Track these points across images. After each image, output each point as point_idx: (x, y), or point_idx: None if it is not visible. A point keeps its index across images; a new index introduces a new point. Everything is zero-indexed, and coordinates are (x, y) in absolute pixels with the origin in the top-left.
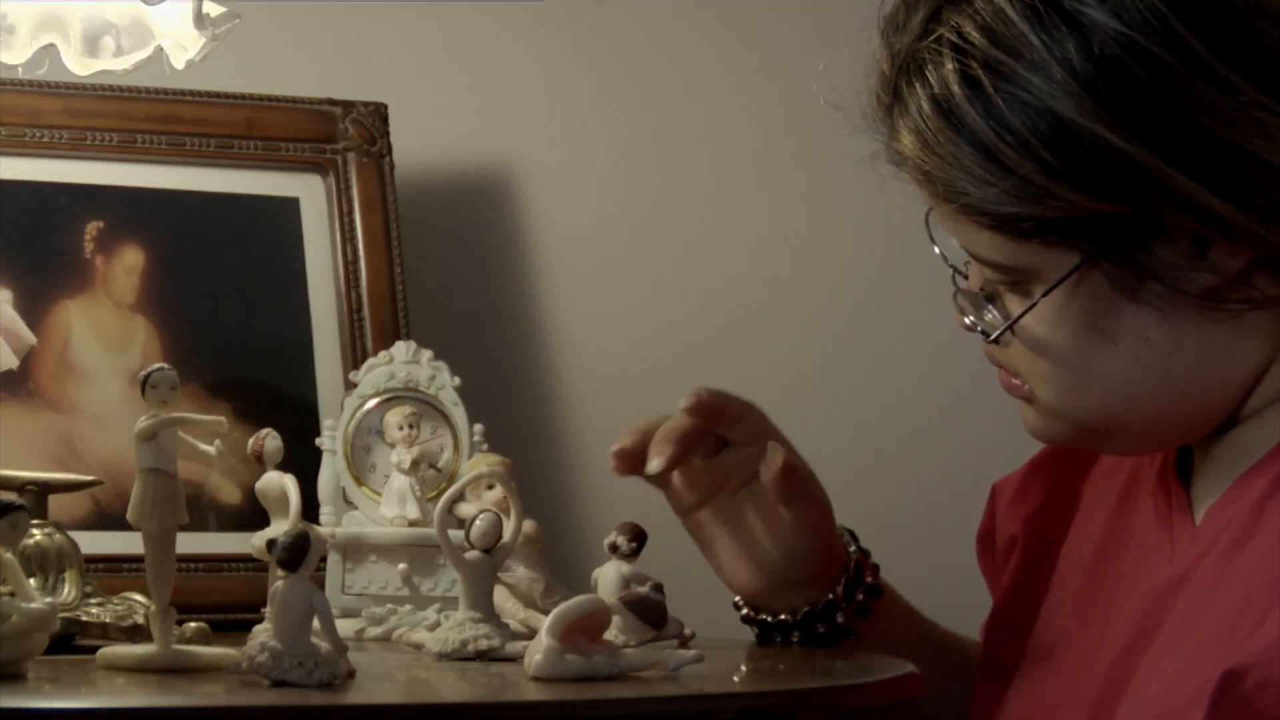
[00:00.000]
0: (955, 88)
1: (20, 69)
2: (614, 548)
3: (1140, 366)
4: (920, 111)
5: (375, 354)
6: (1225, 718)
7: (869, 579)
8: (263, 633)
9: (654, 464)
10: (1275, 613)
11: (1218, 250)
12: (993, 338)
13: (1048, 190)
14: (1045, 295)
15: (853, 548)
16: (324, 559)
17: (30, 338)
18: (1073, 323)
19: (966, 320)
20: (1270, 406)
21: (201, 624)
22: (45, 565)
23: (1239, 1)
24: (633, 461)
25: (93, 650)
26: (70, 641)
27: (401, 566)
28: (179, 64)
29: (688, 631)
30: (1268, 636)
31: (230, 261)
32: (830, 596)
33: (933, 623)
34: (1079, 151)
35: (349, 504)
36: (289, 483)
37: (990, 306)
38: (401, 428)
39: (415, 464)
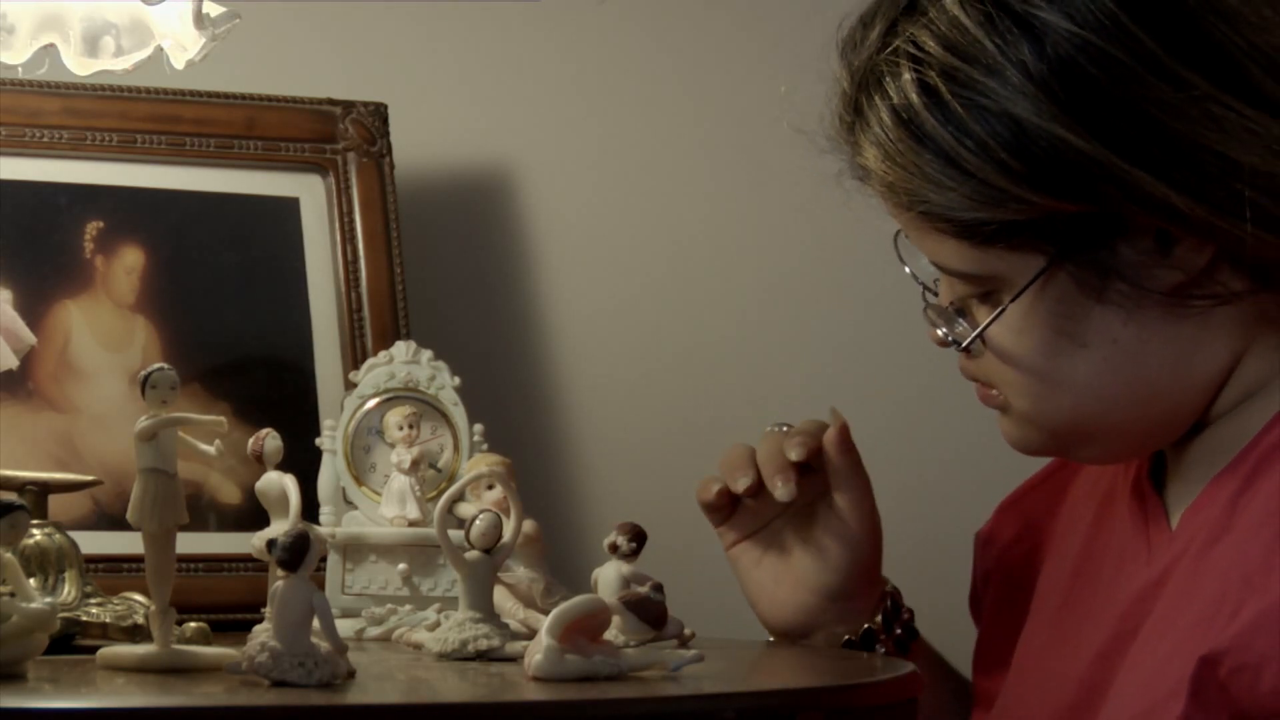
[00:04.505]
0: (914, 97)
1: (20, 69)
2: (614, 548)
3: (1110, 368)
4: (881, 124)
5: (375, 354)
6: (1203, 703)
7: (905, 617)
8: (263, 633)
9: (783, 491)
10: (1250, 602)
11: (1181, 247)
12: (963, 345)
13: (1008, 193)
14: (1013, 300)
15: (889, 585)
16: (324, 559)
17: (30, 338)
18: (1040, 328)
19: (939, 334)
20: (1239, 406)
21: (201, 624)
22: (45, 565)
23: None
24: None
25: (93, 650)
26: (70, 641)
27: (401, 566)
28: (179, 64)
29: (688, 631)
30: (1242, 622)
31: (230, 261)
32: (869, 626)
33: (960, 673)
34: (1037, 152)
35: (349, 504)
36: (289, 483)
37: (960, 320)
38: (401, 428)
39: (415, 464)
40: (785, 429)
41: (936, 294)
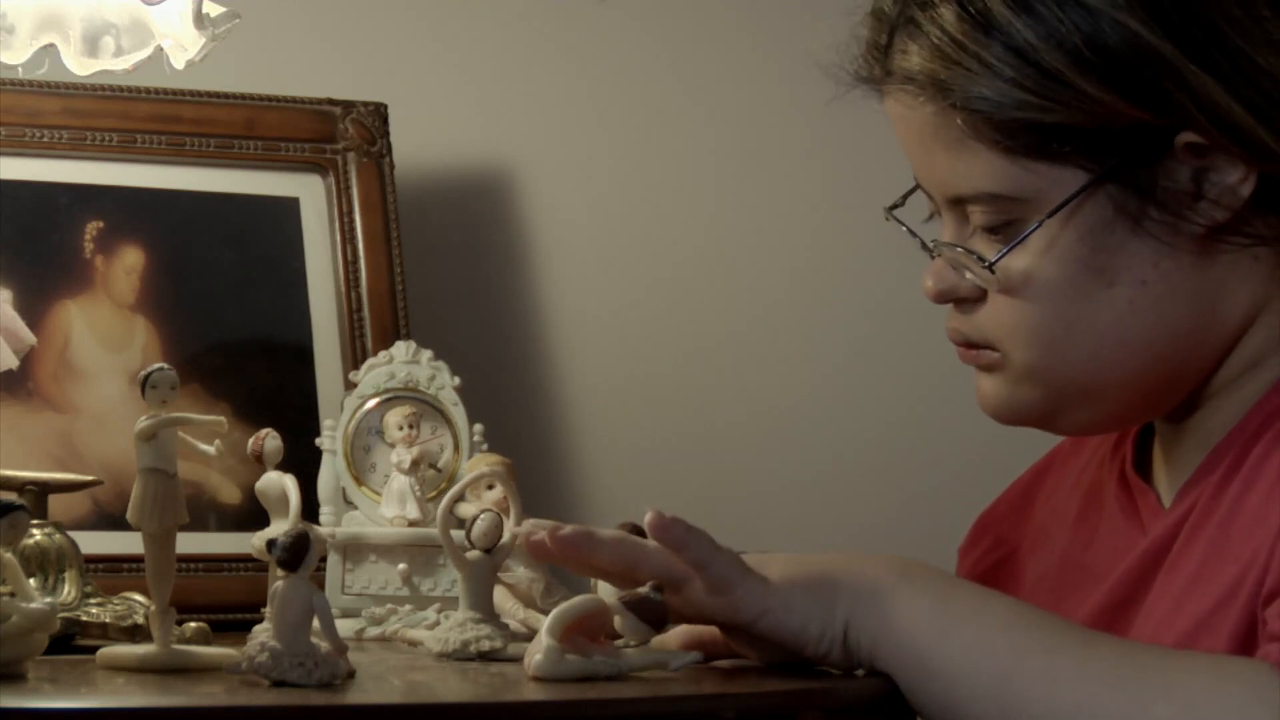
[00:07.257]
0: None
1: (20, 69)
2: None
3: (1135, 312)
4: (938, 21)
5: (375, 354)
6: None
7: None
8: (263, 633)
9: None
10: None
11: (1223, 177)
12: (989, 263)
13: (1073, 86)
14: (1049, 216)
15: None
16: (324, 559)
17: (30, 338)
18: (1068, 259)
19: (936, 285)
20: (1226, 388)
21: (201, 624)
22: (45, 565)
23: None
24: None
25: (93, 650)
26: (70, 641)
27: (401, 566)
28: (179, 64)
29: None
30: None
31: (230, 261)
32: None
33: None
34: (1109, 45)
35: (349, 504)
36: (289, 483)
37: (972, 261)
38: (401, 428)
39: (415, 464)
40: None
41: (934, 255)
